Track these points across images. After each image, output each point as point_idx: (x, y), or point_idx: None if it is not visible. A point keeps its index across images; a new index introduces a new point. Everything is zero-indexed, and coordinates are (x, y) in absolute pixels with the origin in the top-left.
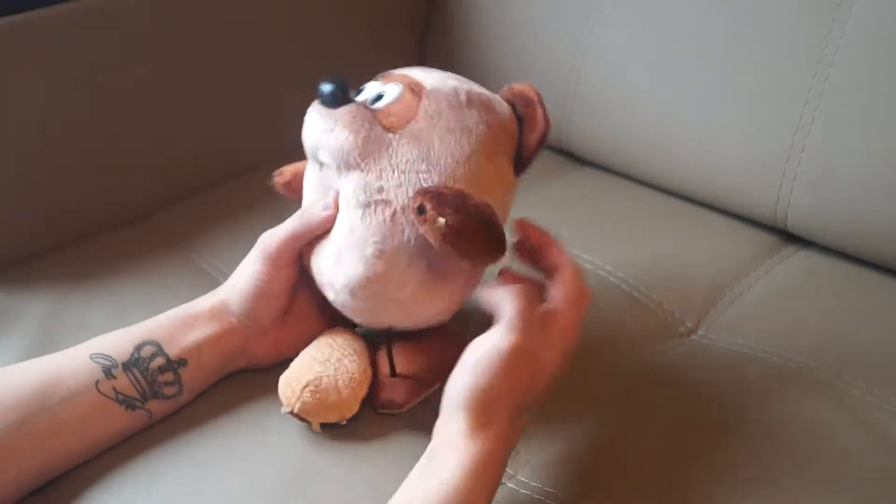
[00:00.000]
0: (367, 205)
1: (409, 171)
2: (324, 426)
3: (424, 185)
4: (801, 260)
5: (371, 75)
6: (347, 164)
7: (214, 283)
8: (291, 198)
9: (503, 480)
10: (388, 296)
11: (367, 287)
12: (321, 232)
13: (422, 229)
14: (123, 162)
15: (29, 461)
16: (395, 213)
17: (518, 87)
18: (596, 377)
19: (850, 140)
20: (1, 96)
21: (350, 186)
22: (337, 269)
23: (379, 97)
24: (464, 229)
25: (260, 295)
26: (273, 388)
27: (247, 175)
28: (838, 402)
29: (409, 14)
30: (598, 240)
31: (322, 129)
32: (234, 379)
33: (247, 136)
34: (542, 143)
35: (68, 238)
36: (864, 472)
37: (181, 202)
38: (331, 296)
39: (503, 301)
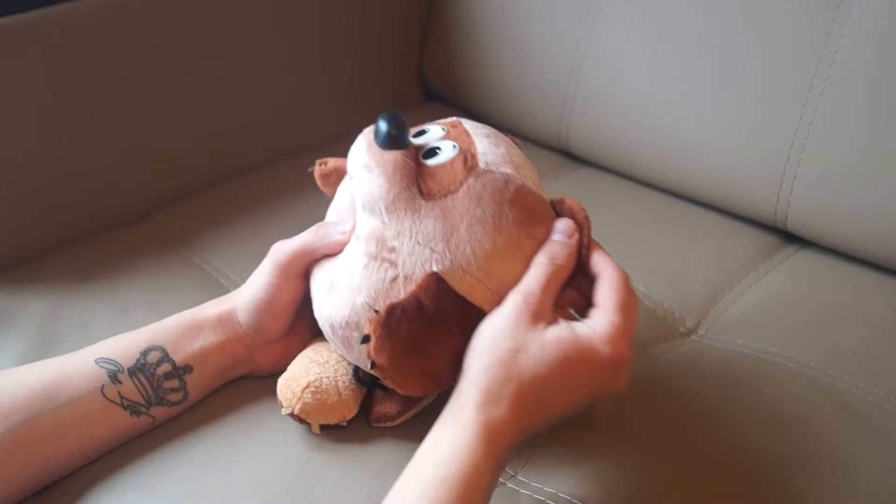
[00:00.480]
0: (373, 257)
1: (425, 244)
2: (323, 428)
3: (435, 265)
4: (800, 260)
5: (370, 76)
6: (371, 209)
7: (215, 284)
8: (326, 191)
9: (503, 480)
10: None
11: (345, 329)
12: (331, 253)
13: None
14: (123, 162)
15: (31, 461)
16: (396, 278)
17: (569, 203)
18: None
19: (850, 140)
20: (1, 96)
21: (366, 230)
22: (326, 297)
23: (432, 152)
24: (392, 376)
25: (267, 307)
26: (274, 390)
27: (247, 175)
28: (838, 403)
29: (409, 15)
30: (598, 240)
31: (362, 164)
32: (234, 380)
33: (247, 137)
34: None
35: (68, 238)
36: (863, 473)
37: (181, 202)
38: (315, 314)
39: (533, 263)
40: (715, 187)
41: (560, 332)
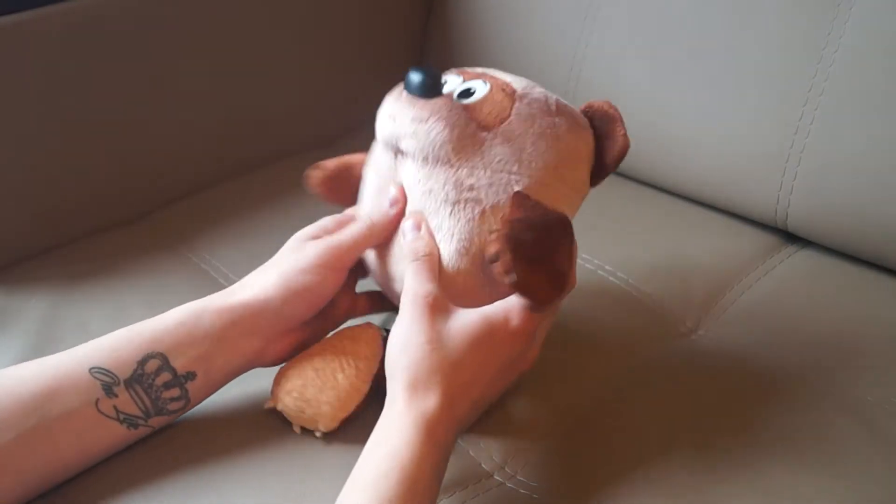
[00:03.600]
0: (455, 202)
1: (500, 171)
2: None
3: (516, 186)
4: (801, 260)
5: (371, 76)
6: (437, 158)
7: (214, 283)
8: (327, 198)
9: (502, 480)
10: (456, 290)
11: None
12: (388, 233)
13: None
14: (123, 162)
15: (25, 476)
16: (483, 211)
17: (598, 103)
18: (595, 377)
19: (851, 140)
20: (0, 96)
21: (438, 181)
22: None
23: (466, 92)
24: (529, 285)
25: (306, 299)
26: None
27: (247, 175)
28: (839, 402)
29: (409, 14)
30: (598, 240)
31: (413, 118)
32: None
33: (247, 137)
34: (622, 158)
35: (68, 238)
36: (864, 472)
37: (181, 202)
38: (396, 287)
39: (407, 260)
40: (715, 187)
41: (466, 315)
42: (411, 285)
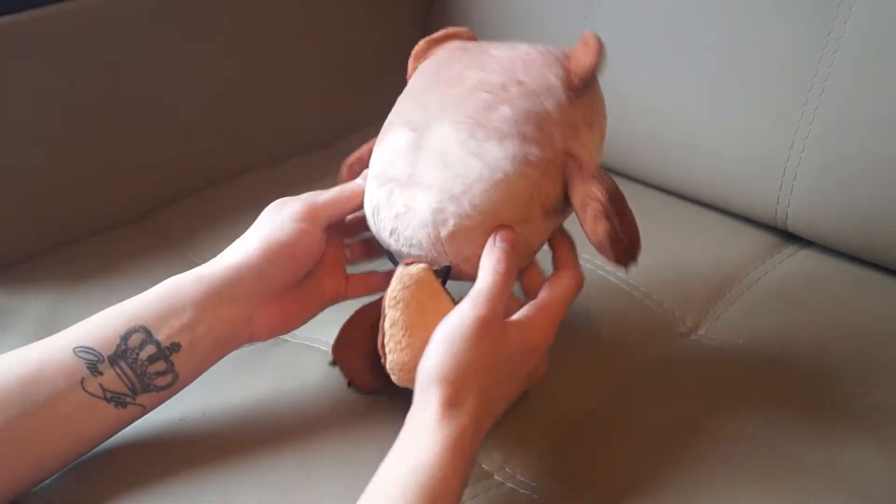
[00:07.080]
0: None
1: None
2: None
3: None
4: (801, 260)
5: (370, 76)
6: None
7: None
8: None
9: (502, 480)
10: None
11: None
12: (352, 207)
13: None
14: (123, 162)
15: (17, 464)
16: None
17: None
18: (595, 377)
19: (851, 140)
20: (1, 96)
21: None
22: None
23: None
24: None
25: (288, 250)
26: (270, 380)
27: (247, 175)
28: (839, 403)
29: (408, 14)
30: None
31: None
32: (229, 375)
33: (247, 137)
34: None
35: (68, 238)
36: (864, 474)
37: (181, 202)
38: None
39: (482, 271)
40: (715, 187)
41: (510, 337)
42: (480, 291)
